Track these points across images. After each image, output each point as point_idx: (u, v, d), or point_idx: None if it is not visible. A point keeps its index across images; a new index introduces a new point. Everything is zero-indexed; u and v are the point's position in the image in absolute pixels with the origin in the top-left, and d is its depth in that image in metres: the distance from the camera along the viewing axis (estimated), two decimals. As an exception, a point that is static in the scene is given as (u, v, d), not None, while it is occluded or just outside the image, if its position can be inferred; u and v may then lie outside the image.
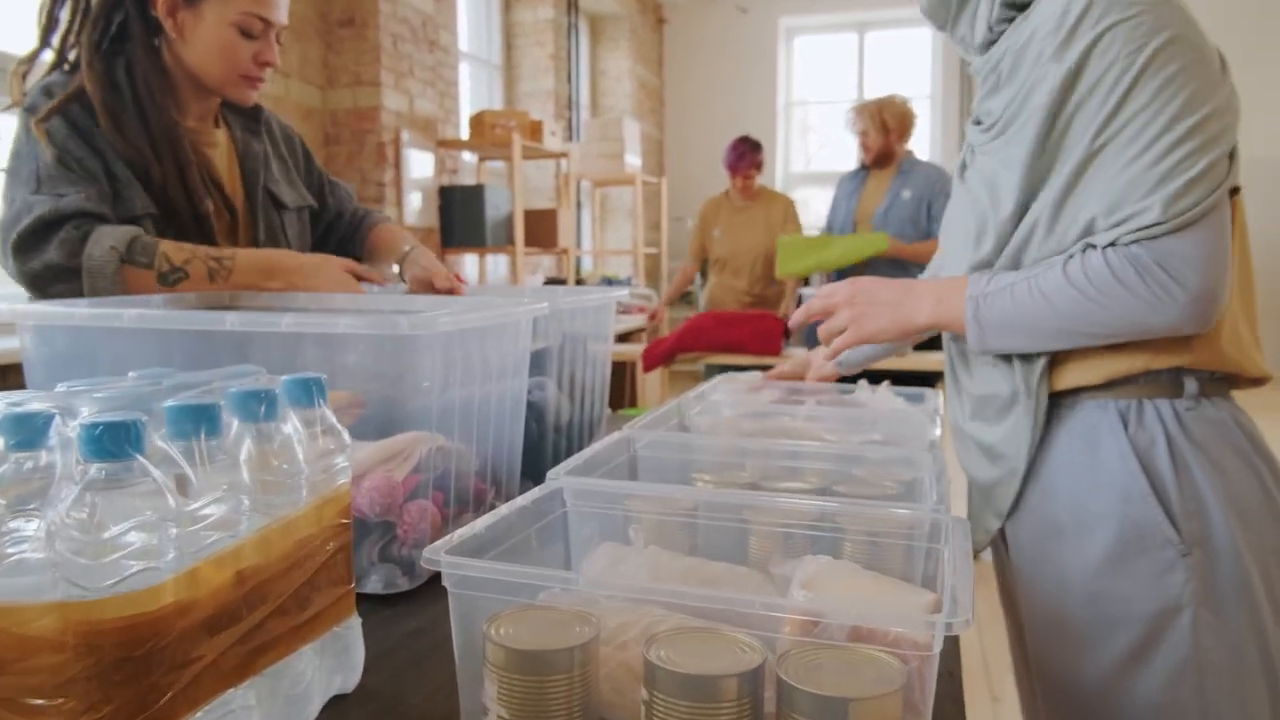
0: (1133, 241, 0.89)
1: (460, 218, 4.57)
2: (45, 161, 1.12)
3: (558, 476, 0.75)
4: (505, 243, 4.75)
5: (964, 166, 1.09)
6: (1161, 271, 0.88)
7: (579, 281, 5.52)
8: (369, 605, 0.83)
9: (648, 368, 3.82)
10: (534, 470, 1.15)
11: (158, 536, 0.48)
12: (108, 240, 1.09)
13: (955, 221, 1.09)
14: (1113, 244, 0.90)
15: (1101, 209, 0.90)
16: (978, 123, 1.04)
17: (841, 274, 3.52)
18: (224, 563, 0.54)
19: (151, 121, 1.20)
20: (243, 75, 1.24)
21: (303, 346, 0.87)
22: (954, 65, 7.65)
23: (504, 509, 0.73)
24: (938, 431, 1.03)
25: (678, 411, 1.18)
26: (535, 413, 1.17)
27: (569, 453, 1.25)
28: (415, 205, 4.41)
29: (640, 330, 5.92)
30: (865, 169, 3.68)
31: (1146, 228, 0.88)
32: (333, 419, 0.66)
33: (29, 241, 1.09)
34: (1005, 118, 0.98)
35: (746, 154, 3.86)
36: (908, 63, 7.93)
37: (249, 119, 1.38)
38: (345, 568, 0.67)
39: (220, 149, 1.34)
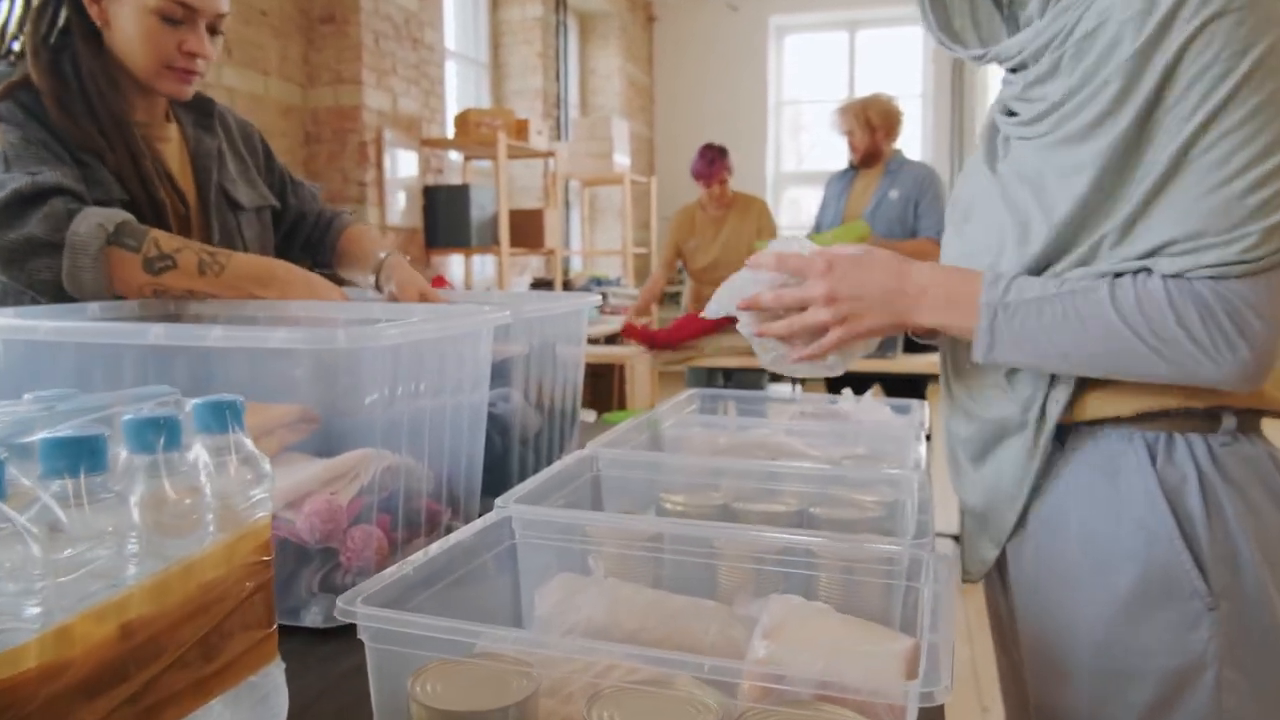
0: (1203, 278, 0.78)
1: (445, 218, 4.51)
2: (10, 142, 1.09)
3: (506, 504, 0.69)
4: (491, 243, 4.68)
5: (993, 157, 0.97)
6: (1227, 319, 0.77)
7: (566, 283, 5.46)
8: (306, 641, 0.77)
9: (660, 346, 3.57)
10: (498, 487, 1.08)
11: (17, 591, 0.42)
12: (95, 218, 1.05)
13: (983, 216, 0.95)
14: (1177, 275, 0.79)
15: (1179, 234, 0.79)
16: (1012, 113, 0.92)
17: None
18: (106, 615, 0.47)
19: (100, 113, 1.15)
20: (168, 66, 1.18)
21: (245, 361, 0.81)
22: (945, 64, 7.61)
23: (443, 542, 0.66)
24: (923, 449, 0.97)
25: (650, 425, 1.12)
26: (499, 426, 1.11)
27: (537, 467, 1.19)
28: (398, 205, 4.34)
29: (629, 331, 5.85)
30: (854, 168, 3.63)
31: (1224, 265, 0.77)
32: (249, 446, 0.59)
33: (5, 215, 1.04)
34: (1066, 110, 0.85)
35: (716, 160, 3.78)
36: (899, 62, 7.88)
37: (201, 114, 1.32)
38: (265, 609, 0.61)
39: (172, 145, 1.27)
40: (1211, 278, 0.78)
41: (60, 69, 1.15)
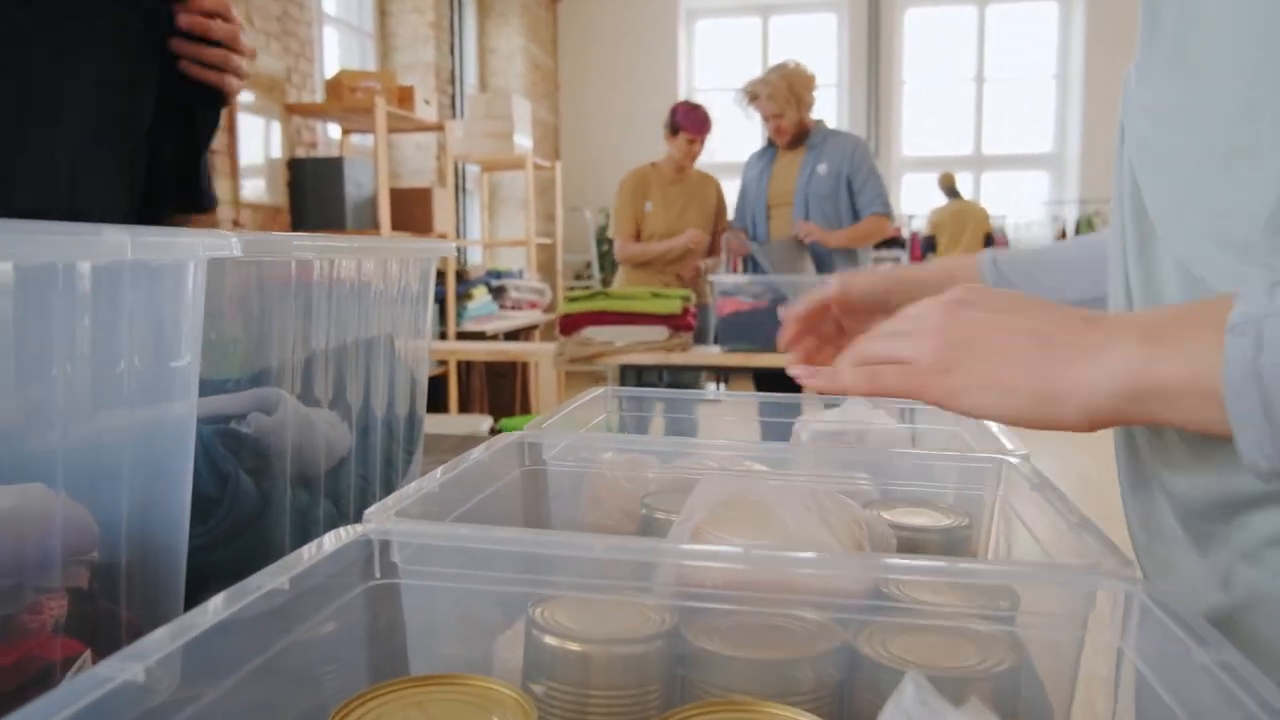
0: None
1: (314, 196, 3.91)
2: None
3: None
4: (370, 226, 4.10)
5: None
6: None
7: (460, 274, 4.90)
8: None
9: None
10: (252, 563, 0.59)
11: None
12: None
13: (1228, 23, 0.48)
14: None
15: None
16: None
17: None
18: None
19: None
20: None
21: None
22: (861, 52, 7.36)
23: None
24: (1025, 487, 0.52)
25: (523, 451, 0.64)
26: (251, 457, 0.62)
27: (338, 521, 0.70)
28: (256, 180, 3.73)
29: (533, 327, 5.33)
30: (773, 146, 3.23)
31: None
32: None
33: None
34: None
35: (707, 117, 3.36)
36: (814, 49, 7.60)
37: None
38: None
39: None
40: None
41: None
